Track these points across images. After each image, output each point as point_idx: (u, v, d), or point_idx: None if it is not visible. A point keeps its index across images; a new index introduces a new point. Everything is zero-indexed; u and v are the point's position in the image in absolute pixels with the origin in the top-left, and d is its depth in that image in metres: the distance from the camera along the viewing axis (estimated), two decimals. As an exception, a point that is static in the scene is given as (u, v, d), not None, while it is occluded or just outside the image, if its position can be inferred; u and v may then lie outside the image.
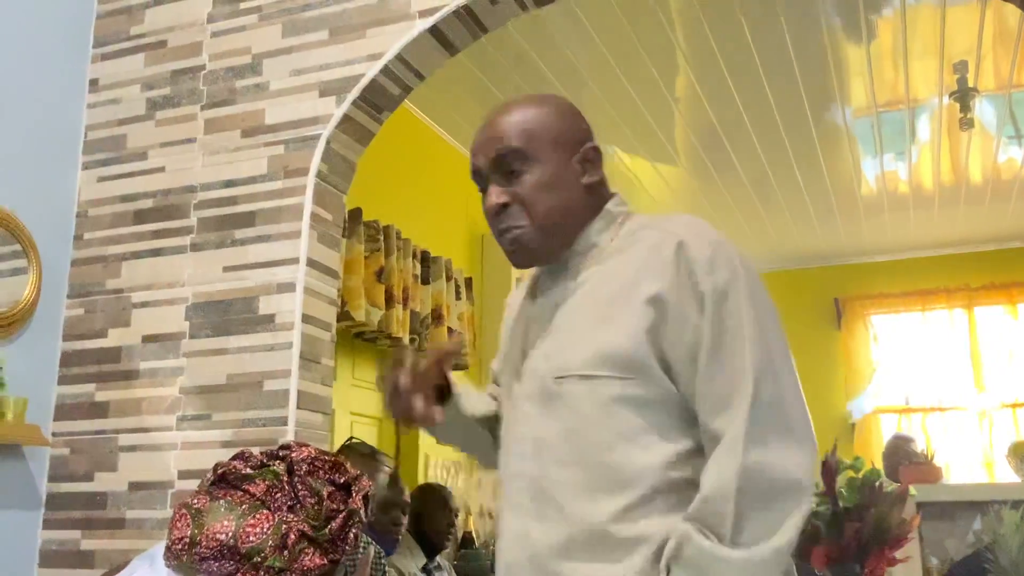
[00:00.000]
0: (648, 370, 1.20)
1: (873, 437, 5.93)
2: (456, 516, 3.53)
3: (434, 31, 2.49)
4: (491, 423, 1.47)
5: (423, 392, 1.37)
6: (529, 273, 1.46)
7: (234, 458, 1.59)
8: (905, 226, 5.72)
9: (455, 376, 1.46)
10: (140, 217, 2.68)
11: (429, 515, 3.37)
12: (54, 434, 2.60)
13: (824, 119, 4.26)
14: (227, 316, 2.49)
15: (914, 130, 4.43)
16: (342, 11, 2.59)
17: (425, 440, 4.18)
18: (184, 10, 2.78)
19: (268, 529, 1.47)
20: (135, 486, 2.48)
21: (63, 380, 2.64)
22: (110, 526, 2.48)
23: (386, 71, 2.52)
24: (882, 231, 5.81)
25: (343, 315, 3.25)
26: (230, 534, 1.44)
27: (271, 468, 1.54)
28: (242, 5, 2.71)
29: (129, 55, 2.82)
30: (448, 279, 4.14)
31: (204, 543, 1.44)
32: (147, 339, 2.57)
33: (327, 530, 1.51)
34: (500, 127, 1.33)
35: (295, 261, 2.47)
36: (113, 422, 2.55)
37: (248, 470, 1.53)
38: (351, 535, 1.54)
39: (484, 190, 1.35)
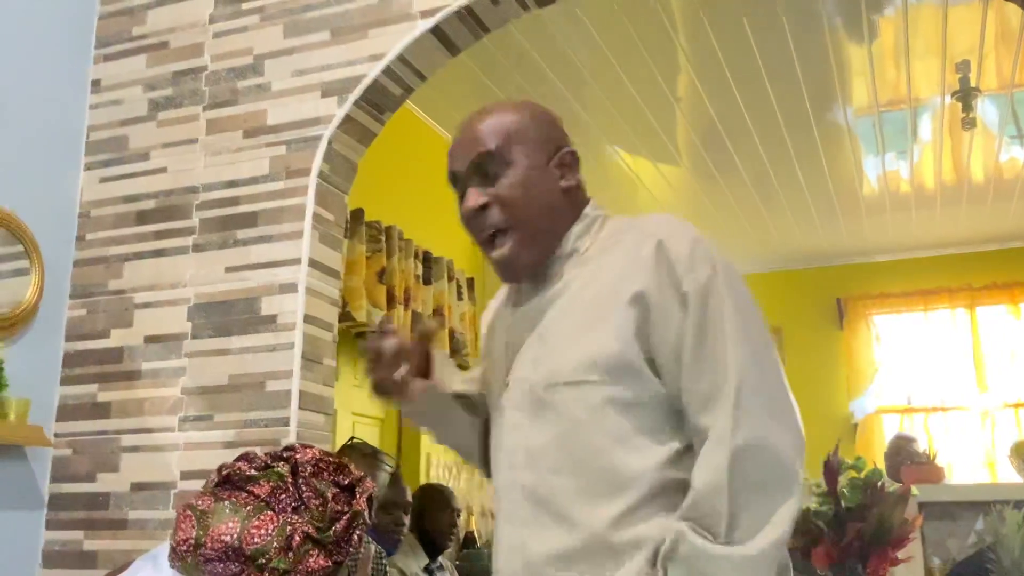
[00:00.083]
0: (637, 371, 1.21)
1: (875, 437, 5.93)
2: (458, 516, 3.53)
3: (436, 31, 2.49)
4: (469, 404, 1.45)
5: (406, 363, 1.33)
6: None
7: (238, 459, 1.59)
8: (907, 226, 5.72)
9: (439, 355, 1.44)
10: (142, 218, 2.68)
11: (431, 515, 3.37)
12: (56, 435, 2.60)
13: (826, 119, 4.25)
14: (229, 317, 2.49)
15: (916, 130, 4.42)
16: (344, 11, 2.59)
17: (427, 440, 4.19)
18: (186, 11, 2.78)
19: (273, 530, 1.47)
20: (137, 487, 2.48)
21: (65, 381, 2.64)
22: (112, 527, 2.48)
23: (388, 71, 2.52)
24: (884, 231, 5.81)
25: (344, 316, 3.26)
26: (235, 535, 1.44)
27: (275, 469, 1.54)
28: (244, 6, 2.71)
29: (131, 56, 2.82)
30: (450, 279, 4.14)
31: (209, 544, 1.44)
32: (149, 340, 2.57)
33: (331, 531, 1.51)
34: (477, 131, 1.34)
35: (297, 262, 2.47)
36: (115, 423, 2.55)
37: (252, 471, 1.53)
38: (355, 536, 1.54)
39: (462, 194, 1.35)
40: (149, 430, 2.50)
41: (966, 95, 3.93)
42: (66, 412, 2.61)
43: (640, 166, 4.81)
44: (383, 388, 1.34)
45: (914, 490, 2.48)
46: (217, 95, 2.68)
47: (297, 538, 1.48)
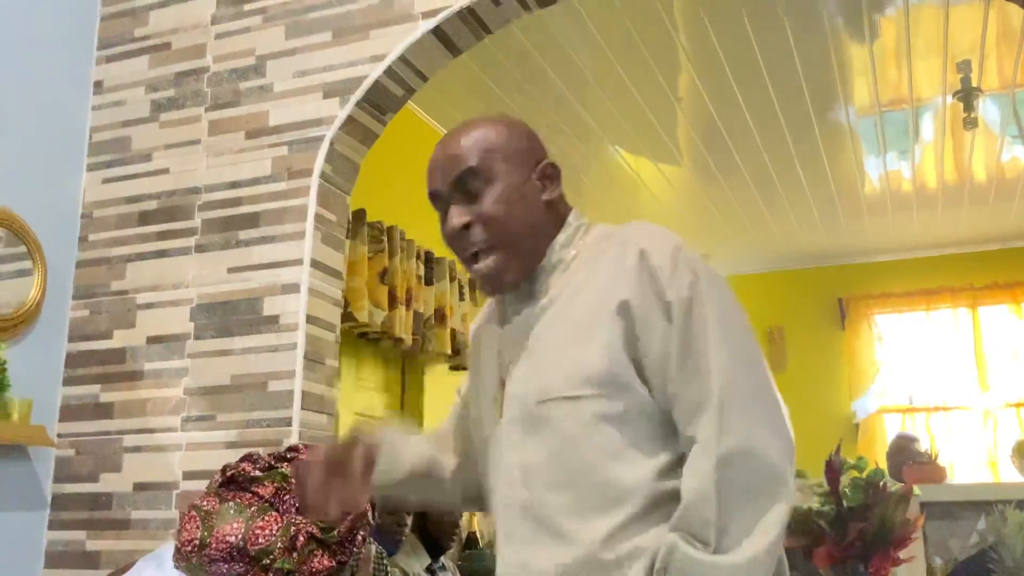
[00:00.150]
0: (627, 384, 1.20)
1: (877, 437, 5.92)
2: (460, 516, 3.53)
3: (437, 32, 2.50)
4: (432, 468, 1.44)
5: (342, 479, 1.31)
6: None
7: (242, 460, 1.59)
8: (909, 225, 5.72)
9: (387, 439, 1.40)
10: (145, 218, 2.68)
11: (433, 515, 3.36)
12: (59, 435, 2.60)
13: (827, 119, 4.25)
14: (231, 317, 2.50)
15: (918, 129, 4.42)
16: (345, 12, 2.59)
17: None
18: (188, 12, 2.79)
19: (277, 531, 1.47)
20: (140, 487, 2.48)
21: (68, 381, 2.65)
22: (115, 527, 2.48)
23: (389, 72, 2.53)
24: (886, 230, 5.81)
25: (346, 316, 3.26)
26: (239, 536, 1.44)
27: (279, 470, 1.54)
28: (246, 7, 2.72)
29: (133, 57, 2.82)
30: (451, 280, 4.14)
31: (214, 545, 1.44)
32: (152, 340, 2.58)
33: (335, 532, 1.51)
34: (457, 148, 1.33)
35: (299, 262, 2.47)
36: (118, 423, 2.55)
37: (256, 472, 1.53)
38: (359, 537, 1.54)
39: (444, 213, 1.35)
40: (151, 430, 2.51)
41: (968, 95, 3.93)
42: (69, 412, 2.62)
43: (641, 166, 4.81)
44: (311, 511, 1.34)
45: (916, 490, 2.48)
46: (219, 96, 2.68)
47: (301, 538, 1.48)
